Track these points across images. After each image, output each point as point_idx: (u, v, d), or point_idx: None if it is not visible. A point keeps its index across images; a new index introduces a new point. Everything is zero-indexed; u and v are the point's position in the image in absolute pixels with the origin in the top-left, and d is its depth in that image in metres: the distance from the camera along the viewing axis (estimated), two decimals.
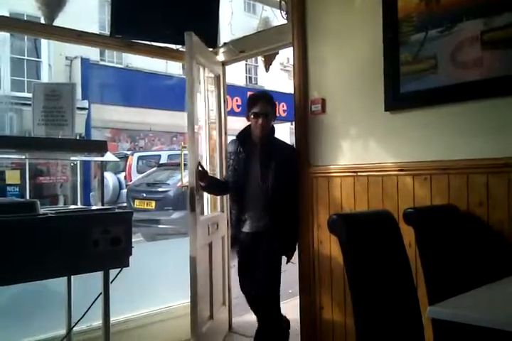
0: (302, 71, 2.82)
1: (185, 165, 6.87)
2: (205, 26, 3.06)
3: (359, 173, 2.53)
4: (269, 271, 2.73)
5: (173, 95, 9.67)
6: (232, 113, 10.68)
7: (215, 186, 2.93)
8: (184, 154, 7.89)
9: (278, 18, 3.07)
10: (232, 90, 11.01)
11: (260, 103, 2.70)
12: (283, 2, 2.89)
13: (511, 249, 1.99)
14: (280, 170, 2.70)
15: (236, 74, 11.73)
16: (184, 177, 6.11)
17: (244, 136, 2.84)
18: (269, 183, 2.68)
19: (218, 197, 3.50)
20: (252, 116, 2.74)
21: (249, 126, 2.86)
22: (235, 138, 2.93)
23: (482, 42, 2.08)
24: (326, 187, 2.74)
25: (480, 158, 2.09)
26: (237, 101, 11.28)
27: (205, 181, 2.77)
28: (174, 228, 6.25)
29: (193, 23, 3.02)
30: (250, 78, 13.05)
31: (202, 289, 2.77)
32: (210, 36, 3.10)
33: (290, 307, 3.28)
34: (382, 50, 2.42)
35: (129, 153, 9.43)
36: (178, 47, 3.18)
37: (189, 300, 2.72)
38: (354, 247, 1.69)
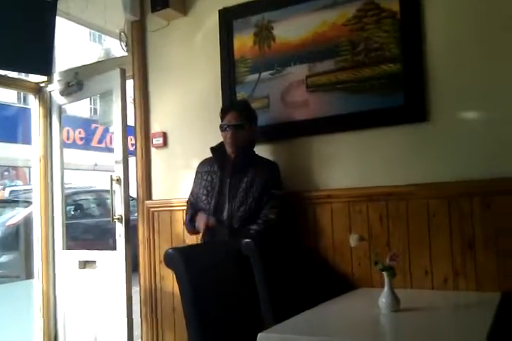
0: (143, 104, 2.81)
1: (16, 201, 6.24)
2: (38, 53, 2.87)
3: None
4: None
5: (5, 125, 8.82)
6: (74, 146, 10.14)
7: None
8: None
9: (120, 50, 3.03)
10: (75, 122, 10.48)
11: (230, 114, 2.27)
12: (123, 34, 2.87)
13: (334, 275, 2.18)
14: (264, 190, 2.21)
15: (80, 105, 11.21)
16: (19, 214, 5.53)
17: (219, 152, 2.33)
18: (247, 204, 2.20)
19: None
20: (221, 129, 2.30)
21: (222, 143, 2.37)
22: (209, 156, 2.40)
23: (307, 85, 2.32)
24: (168, 222, 2.71)
25: (306, 189, 2.29)
26: (79, 133, 10.72)
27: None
28: (2, 273, 5.54)
29: (25, 50, 2.82)
30: (95, 109, 12.58)
31: None
32: (43, 64, 2.91)
33: None
34: (220, 87, 2.54)
35: None
36: (7, 73, 2.93)
37: None
38: (189, 278, 1.69)
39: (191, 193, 2.41)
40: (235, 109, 2.29)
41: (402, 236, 2.06)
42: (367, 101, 2.17)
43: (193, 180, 2.40)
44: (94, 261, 3.02)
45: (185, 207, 2.58)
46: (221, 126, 2.27)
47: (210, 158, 2.36)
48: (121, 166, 2.83)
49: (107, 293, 2.92)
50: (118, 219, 2.83)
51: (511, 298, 1.79)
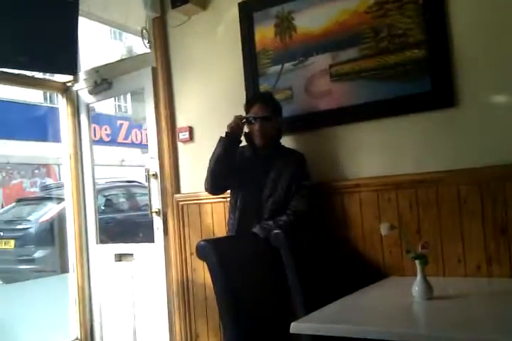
0: (168, 99, 2.84)
1: (48, 198, 6.41)
2: (63, 53, 2.93)
3: (229, 199, 2.58)
4: None
5: (34, 125, 9.03)
6: (101, 142, 10.31)
7: (232, 153, 2.29)
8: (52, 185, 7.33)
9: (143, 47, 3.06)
10: (102, 119, 10.64)
11: (256, 106, 2.25)
12: (144, 31, 2.89)
13: (368, 262, 2.18)
14: (292, 181, 2.21)
15: (105, 102, 11.38)
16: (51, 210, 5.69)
17: (248, 142, 2.32)
18: (276, 195, 2.20)
19: None
20: (248, 123, 2.28)
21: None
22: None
23: (330, 74, 2.30)
24: (197, 214, 2.74)
25: (335, 179, 2.28)
26: (106, 130, 10.89)
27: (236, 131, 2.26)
28: (38, 267, 5.72)
29: (49, 50, 2.88)
30: (120, 106, 12.74)
31: None
32: (68, 63, 2.97)
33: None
34: (243, 80, 2.55)
35: None
36: (34, 74, 2.99)
37: None
38: (222, 270, 1.72)
39: None
40: (261, 101, 2.28)
41: (433, 224, 2.04)
42: (393, 89, 2.14)
43: None
44: (132, 254, 3.10)
45: (214, 200, 2.62)
46: (248, 119, 2.26)
47: (240, 147, 2.34)
48: (156, 162, 2.90)
49: (145, 284, 3.00)
50: (156, 212, 2.91)
51: None
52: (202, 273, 2.68)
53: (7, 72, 3.00)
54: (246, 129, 2.29)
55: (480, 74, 1.98)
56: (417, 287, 1.60)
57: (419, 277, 1.60)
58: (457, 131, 2.03)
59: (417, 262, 1.60)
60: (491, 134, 1.96)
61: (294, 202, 2.19)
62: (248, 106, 2.30)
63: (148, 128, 3.01)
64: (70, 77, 3.32)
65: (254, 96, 2.44)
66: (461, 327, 1.37)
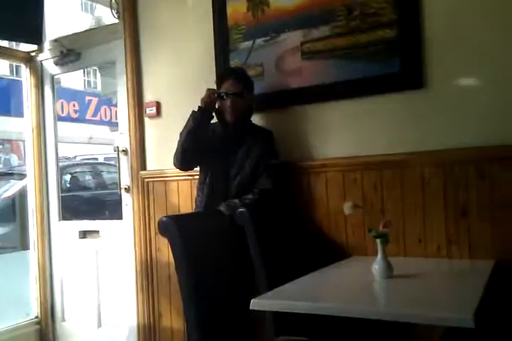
0: (136, 73, 2.75)
1: (10, 174, 6.22)
2: (28, 21, 2.80)
3: (196, 177, 2.53)
4: None
5: None
6: (68, 119, 10.02)
7: (204, 127, 2.24)
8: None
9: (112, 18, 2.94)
10: (70, 94, 10.32)
11: (228, 82, 2.21)
12: (113, 1, 2.78)
13: (332, 241, 2.19)
14: (260, 159, 2.19)
15: (74, 77, 11.02)
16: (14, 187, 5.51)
17: (219, 119, 2.29)
18: (244, 173, 2.19)
19: None
20: (219, 98, 2.22)
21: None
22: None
23: (302, 52, 2.26)
24: (163, 192, 2.70)
25: (301, 159, 2.27)
26: (74, 106, 10.59)
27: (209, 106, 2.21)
28: None
29: (14, 17, 2.74)
30: (89, 82, 12.39)
31: None
32: (33, 32, 2.84)
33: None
34: (214, 54, 2.49)
35: None
36: None
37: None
38: (184, 247, 1.69)
39: None
40: (233, 77, 2.23)
41: (396, 205, 2.05)
42: (363, 68, 2.12)
43: None
44: (98, 231, 3.04)
45: (180, 178, 2.58)
46: (219, 94, 2.21)
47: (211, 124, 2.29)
48: (127, 137, 2.83)
49: (111, 262, 2.96)
50: (125, 188, 2.86)
51: (504, 266, 1.79)
52: (166, 252, 2.64)
53: None
54: (217, 105, 2.24)
55: (449, 57, 1.97)
56: (377, 266, 1.61)
57: (379, 256, 1.61)
58: (424, 114, 2.03)
59: (378, 241, 1.61)
60: (457, 117, 1.96)
61: (261, 180, 2.17)
62: (219, 82, 2.25)
63: (118, 103, 2.93)
64: (35, 47, 3.19)
65: (226, 71, 2.38)
66: (418, 305, 1.39)
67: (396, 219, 2.02)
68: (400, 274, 1.63)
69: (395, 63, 2.05)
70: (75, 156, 6.97)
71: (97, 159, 7.34)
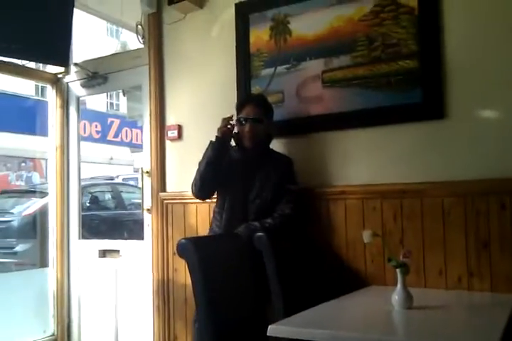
0: (159, 96, 2.82)
1: (32, 191, 6.33)
2: (56, 44, 2.89)
3: (214, 200, 2.55)
4: None
5: (23, 117, 8.92)
6: (90, 139, 10.22)
7: (223, 156, 2.25)
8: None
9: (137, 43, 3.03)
10: (92, 115, 10.55)
11: (248, 107, 2.23)
12: (139, 26, 2.87)
13: (349, 270, 2.17)
14: (279, 184, 2.21)
15: (97, 99, 11.29)
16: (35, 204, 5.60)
17: (237, 143, 2.31)
18: (263, 198, 2.19)
19: None
20: (238, 123, 2.25)
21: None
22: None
23: (323, 80, 2.30)
24: (181, 214, 2.72)
25: (320, 185, 2.27)
26: (96, 126, 10.81)
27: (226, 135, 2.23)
28: (19, 261, 5.63)
29: (42, 40, 2.84)
30: (112, 104, 12.67)
31: None
32: (60, 54, 2.93)
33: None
34: (235, 81, 2.54)
35: None
36: (25, 63, 2.94)
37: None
38: (202, 269, 1.70)
39: None
40: (253, 102, 2.26)
41: (416, 235, 2.03)
42: (383, 98, 2.15)
43: None
44: (118, 251, 3.07)
45: (199, 200, 2.59)
46: (238, 119, 2.24)
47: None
48: (149, 159, 2.88)
49: (130, 282, 2.97)
50: (148, 209, 2.89)
51: None
52: (183, 273, 2.65)
53: None
54: (236, 130, 2.27)
55: (471, 88, 1.98)
56: (396, 296, 1.59)
57: (399, 286, 1.59)
58: (445, 144, 2.03)
59: (398, 271, 1.59)
60: (478, 148, 1.96)
61: (281, 205, 2.18)
62: (240, 107, 2.28)
63: (144, 126, 2.98)
64: (62, 69, 3.29)
65: (248, 97, 2.42)
66: (438, 338, 1.36)
67: (416, 249, 2.00)
68: (420, 305, 1.60)
69: (416, 93, 2.07)
70: (94, 177, 7.07)
71: (113, 179, 7.42)
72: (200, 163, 2.26)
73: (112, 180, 7.31)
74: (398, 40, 2.12)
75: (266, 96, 2.36)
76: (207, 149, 2.24)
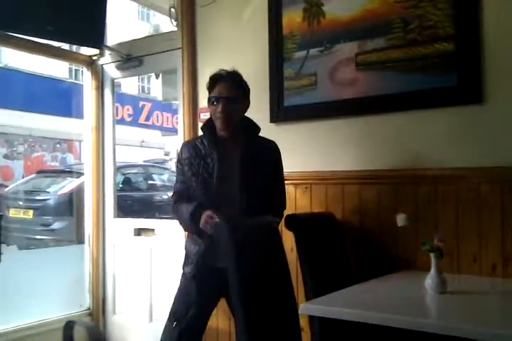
0: (191, 79, 2.84)
1: (68, 171, 6.51)
2: (90, 26, 2.93)
3: None
4: None
5: (58, 99, 9.11)
6: (122, 122, 10.38)
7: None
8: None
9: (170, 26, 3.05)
10: (124, 99, 10.70)
11: (220, 85, 1.94)
12: (172, 9, 2.88)
13: (380, 253, 2.17)
14: (265, 176, 2.00)
15: (129, 82, 11.41)
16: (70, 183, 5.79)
17: (210, 133, 2.00)
18: (252, 189, 1.94)
19: None
20: (209, 103, 1.97)
21: (210, 119, 2.03)
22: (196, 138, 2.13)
23: (356, 63, 2.27)
24: None
25: (354, 169, 2.26)
26: (128, 110, 10.96)
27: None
28: (55, 238, 5.85)
29: (77, 22, 2.87)
30: (143, 87, 12.79)
31: None
32: (95, 36, 2.97)
33: None
34: (268, 64, 2.53)
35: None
36: (60, 44, 2.98)
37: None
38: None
39: (180, 185, 2.05)
40: (227, 80, 1.97)
41: (450, 220, 2.01)
42: (419, 81, 2.10)
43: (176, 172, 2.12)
44: (153, 229, 3.15)
45: None
46: (209, 99, 1.96)
47: (191, 140, 2.12)
48: (182, 141, 2.83)
49: (165, 259, 3.03)
50: None
51: None
52: None
53: (34, 41, 3.00)
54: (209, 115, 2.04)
55: (509, 71, 1.92)
56: (430, 280, 1.59)
57: (432, 270, 1.59)
58: (482, 129, 1.99)
59: (432, 255, 1.59)
60: None
61: (274, 196, 2.05)
62: (211, 85, 1.98)
63: (178, 108, 2.99)
64: (96, 51, 3.32)
65: (220, 73, 2.02)
66: (473, 321, 1.36)
67: (450, 234, 1.98)
68: (453, 290, 1.60)
69: (452, 77, 2.02)
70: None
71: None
72: (178, 221, 2.05)
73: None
74: (435, 22, 2.06)
75: (297, 79, 2.34)
76: (184, 218, 1.97)
